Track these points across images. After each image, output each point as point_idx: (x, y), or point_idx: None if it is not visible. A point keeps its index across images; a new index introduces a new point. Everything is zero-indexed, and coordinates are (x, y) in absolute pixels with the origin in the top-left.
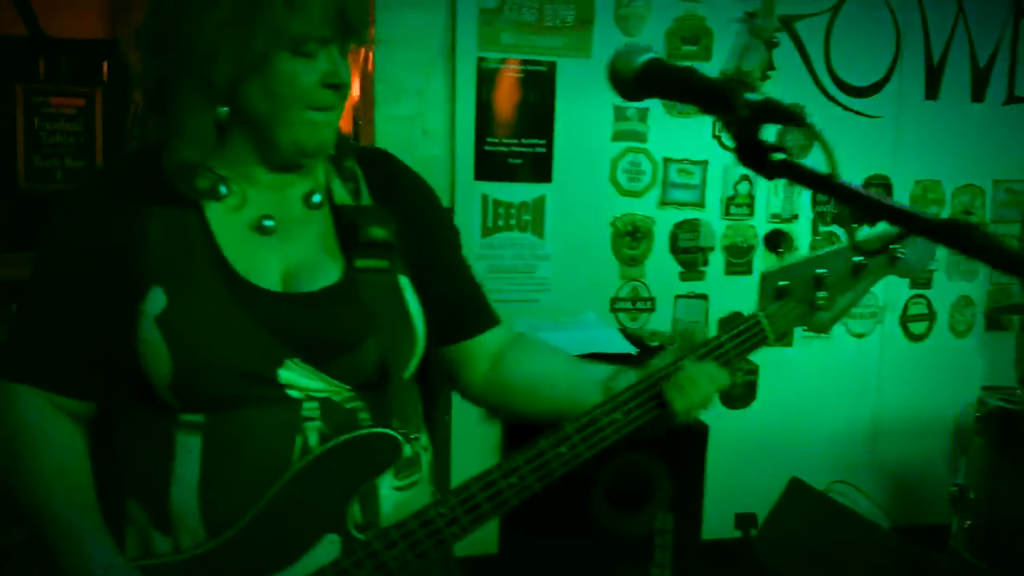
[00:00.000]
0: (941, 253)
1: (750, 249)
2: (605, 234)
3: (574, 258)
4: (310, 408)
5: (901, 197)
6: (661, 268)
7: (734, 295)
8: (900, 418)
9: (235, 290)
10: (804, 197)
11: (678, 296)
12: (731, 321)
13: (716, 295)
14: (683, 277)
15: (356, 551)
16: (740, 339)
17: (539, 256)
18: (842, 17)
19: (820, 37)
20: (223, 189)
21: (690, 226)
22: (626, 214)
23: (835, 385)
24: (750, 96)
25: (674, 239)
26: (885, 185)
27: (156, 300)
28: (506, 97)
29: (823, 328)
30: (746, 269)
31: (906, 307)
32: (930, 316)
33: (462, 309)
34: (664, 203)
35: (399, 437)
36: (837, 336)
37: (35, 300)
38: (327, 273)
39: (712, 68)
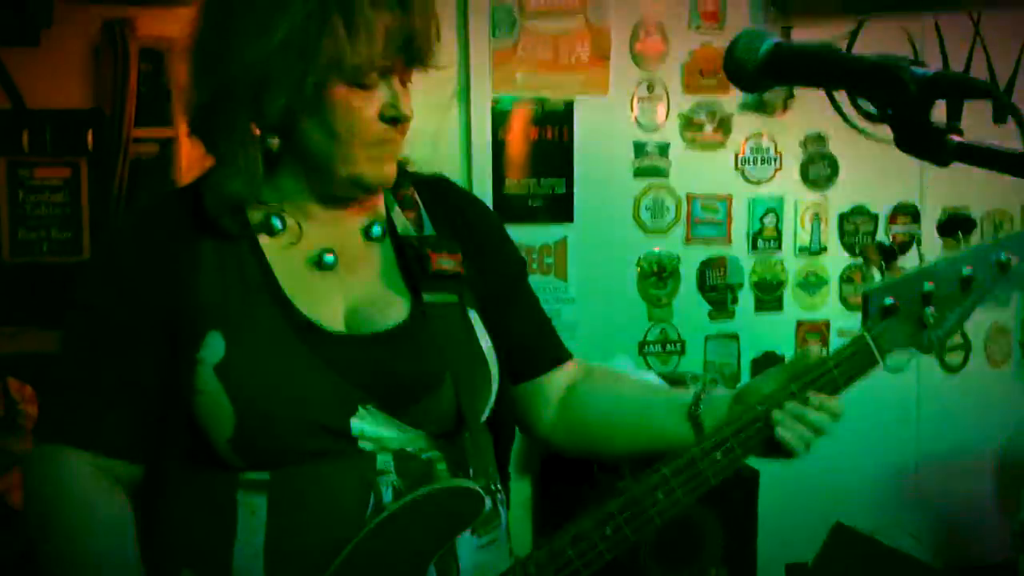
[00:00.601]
0: None
1: (780, 285)
2: (630, 274)
3: (599, 301)
4: (384, 461)
5: (930, 226)
6: (689, 308)
7: (766, 333)
8: (942, 453)
9: (300, 332)
10: (832, 228)
11: (708, 337)
12: (764, 362)
13: (747, 334)
14: (712, 316)
15: None
16: (849, 364)
17: (563, 300)
18: (860, 43)
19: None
20: (277, 223)
21: (717, 263)
22: (651, 253)
23: (874, 422)
24: (917, 71)
25: (702, 277)
26: (914, 214)
27: (214, 346)
28: (523, 137)
29: (932, 349)
30: (777, 305)
31: None
32: (966, 346)
33: (532, 345)
34: (690, 240)
35: (480, 490)
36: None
37: (75, 353)
38: (394, 310)
39: (730, 100)
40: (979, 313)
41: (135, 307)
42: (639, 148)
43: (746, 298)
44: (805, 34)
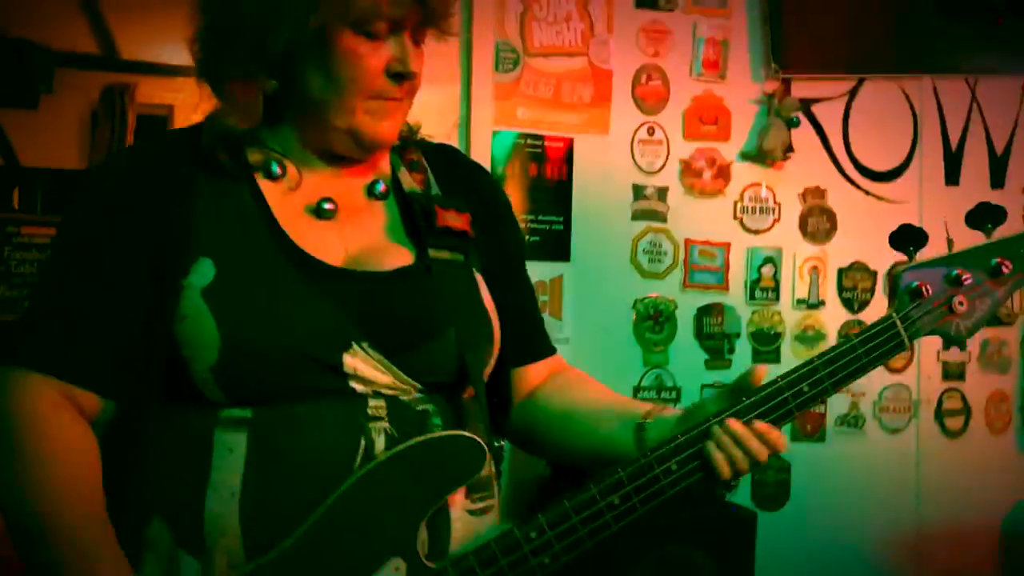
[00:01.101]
0: (973, 345)
1: (777, 336)
2: (627, 317)
3: (594, 342)
4: (376, 406)
5: None
6: (686, 355)
7: None
8: (943, 520)
9: (295, 263)
10: (831, 283)
11: (704, 385)
12: None
13: None
14: (708, 365)
15: None
16: (874, 343)
17: (557, 340)
18: (858, 102)
19: (838, 121)
20: (275, 167)
21: (715, 310)
22: (648, 297)
23: (873, 484)
24: None
25: (699, 324)
26: None
27: (203, 272)
28: (521, 172)
29: (960, 339)
30: (775, 357)
31: (940, 401)
32: (965, 411)
33: (520, 333)
34: (687, 286)
35: (483, 444)
36: (871, 431)
37: (51, 277)
38: (398, 258)
39: (731, 147)
40: (979, 377)
41: (122, 233)
42: (638, 190)
43: (743, 348)
44: (804, 90)
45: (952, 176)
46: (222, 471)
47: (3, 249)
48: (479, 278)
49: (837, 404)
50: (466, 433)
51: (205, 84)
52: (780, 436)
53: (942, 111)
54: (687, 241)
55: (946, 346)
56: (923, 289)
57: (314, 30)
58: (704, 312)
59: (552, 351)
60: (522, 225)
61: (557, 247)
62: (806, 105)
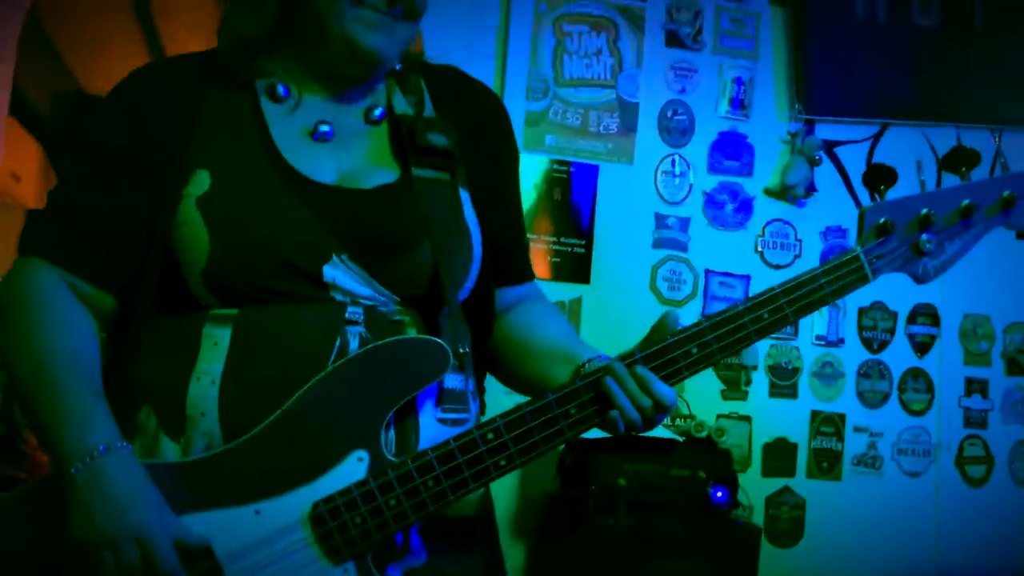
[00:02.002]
0: (995, 394)
1: (795, 372)
2: None
3: None
4: (354, 313)
5: (950, 330)
6: (702, 384)
7: (780, 419)
8: (962, 570)
9: (284, 178)
10: (851, 321)
11: (719, 416)
12: (775, 447)
13: (760, 417)
14: (725, 396)
15: (386, 472)
16: (836, 274)
17: None
18: (882, 146)
19: (861, 164)
20: (282, 89)
21: None
22: None
23: (890, 528)
24: None
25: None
26: (933, 316)
27: (200, 182)
28: (548, 196)
29: (926, 278)
30: (791, 393)
31: (962, 447)
32: (988, 460)
33: (503, 251)
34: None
35: (447, 347)
36: (889, 473)
37: (68, 180)
38: (383, 176)
39: (756, 183)
40: (1001, 428)
41: (130, 142)
42: (660, 219)
43: (760, 380)
44: (828, 132)
45: None
46: (206, 361)
47: None
48: (466, 198)
49: (854, 443)
50: (431, 338)
51: None
52: (665, 388)
53: None
54: (707, 271)
55: (917, 283)
56: (889, 225)
57: None
58: None
59: (530, 277)
60: (546, 247)
61: (578, 269)
62: (829, 146)
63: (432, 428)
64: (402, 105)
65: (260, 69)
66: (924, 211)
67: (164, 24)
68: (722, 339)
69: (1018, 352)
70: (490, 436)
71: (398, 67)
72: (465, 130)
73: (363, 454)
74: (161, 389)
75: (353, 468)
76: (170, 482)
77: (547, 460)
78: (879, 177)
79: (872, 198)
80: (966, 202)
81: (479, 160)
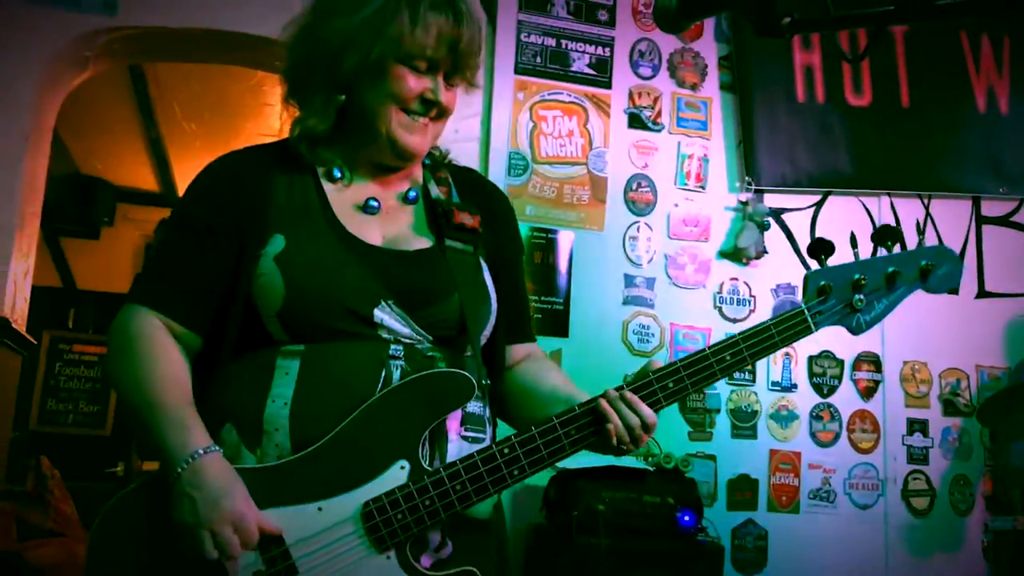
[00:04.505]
0: (935, 432)
1: (754, 415)
2: None
3: None
4: (396, 349)
5: (892, 375)
6: (670, 426)
7: (742, 457)
8: None
9: (343, 240)
10: (802, 368)
11: (688, 455)
12: (738, 483)
13: (724, 456)
14: (691, 437)
15: (423, 478)
16: (785, 326)
17: None
18: (824, 212)
19: (806, 228)
20: (337, 172)
21: None
22: None
23: (845, 555)
24: None
25: (683, 400)
26: (876, 363)
27: (276, 243)
28: (529, 260)
29: (859, 330)
30: (752, 434)
31: (906, 481)
32: (930, 492)
33: (510, 317)
34: None
35: (472, 378)
36: (842, 506)
37: (165, 246)
38: (421, 243)
39: (712, 246)
40: (941, 462)
41: (217, 214)
42: (628, 279)
43: (723, 423)
44: (775, 200)
45: None
46: (279, 387)
47: (55, 365)
48: (484, 267)
49: (810, 479)
50: (460, 371)
51: (293, 103)
52: (649, 410)
53: (899, 223)
54: (672, 325)
55: (852, 335)
56: (828, 288)
57: (374, 60)
58: None
59: (532, 339)
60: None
61: (557, 324)
62: (776, 213)
63: (457, 444)
64: (435, 191)
65: (319, 157)
66: (856, 276)
67: (161, 108)
68: (693, 376)
69: (953, 395)
70: (506, 451)
71: (426, 161)
72: (484, 218)
73: (405, 463)
74: (241, 409)
75: (396, 474)
76: (250, 483)
77: (534, 495)
78: (820, 248)
79: (815, 265)
80: (891, 269)
81: (493, 242)
